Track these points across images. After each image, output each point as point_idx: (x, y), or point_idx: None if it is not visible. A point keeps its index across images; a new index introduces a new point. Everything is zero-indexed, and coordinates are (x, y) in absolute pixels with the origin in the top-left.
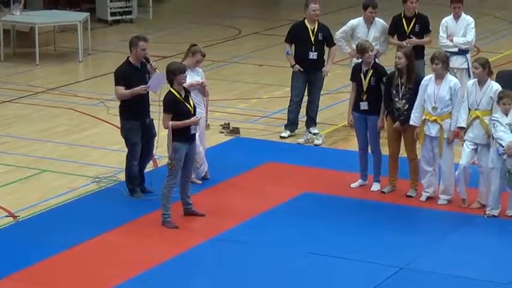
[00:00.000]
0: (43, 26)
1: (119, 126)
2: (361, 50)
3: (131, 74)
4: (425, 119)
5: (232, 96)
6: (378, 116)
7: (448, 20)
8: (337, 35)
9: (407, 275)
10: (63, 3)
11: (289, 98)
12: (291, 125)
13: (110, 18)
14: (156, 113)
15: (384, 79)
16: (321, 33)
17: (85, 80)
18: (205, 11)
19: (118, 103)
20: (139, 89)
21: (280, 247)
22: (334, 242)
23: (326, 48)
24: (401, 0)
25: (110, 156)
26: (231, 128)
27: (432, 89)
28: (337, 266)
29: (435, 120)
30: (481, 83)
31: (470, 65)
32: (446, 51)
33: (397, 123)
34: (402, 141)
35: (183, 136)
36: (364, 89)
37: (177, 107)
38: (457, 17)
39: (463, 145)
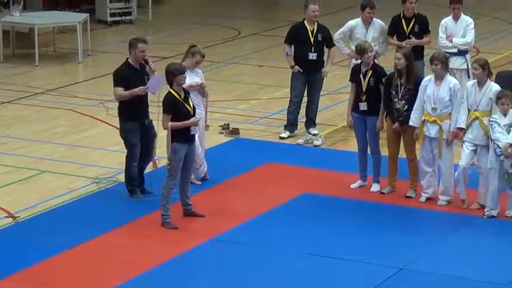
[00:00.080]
0: (42, 26)
1: (118, 127)
2: (361, 50)
3: (130, 75)
4: (424, 120)
5: (232, 97)
6: (377, 117)
7: (447, 20)
8: (336, 36)
9: (407, 276)
10: (62, 4)
11: (289, 98)
12: (291, 125)
13: (109, 19)
14: (155, 113)
15: (384, 80)
16: (321, 34)
17: (84, 81)
18: (205, 12)
19: (117, 104)
20: (138, 90)
21: (280, 248)
22: (333, 243)
23: (326, 49)
24: (401, 0)
25: (109, 157)
26: (230, 129)
27: (432, 89)
28: (336, 267)
29: (435, 121)
30: (481, 83)
31: (469, 66)
32: (445, 52)
33: (397, 124)
34: (402, 142)
35: (182, 137)
36: (364, 90)
37: (177, 108)
38: (456, 18)
39: (462, 146)
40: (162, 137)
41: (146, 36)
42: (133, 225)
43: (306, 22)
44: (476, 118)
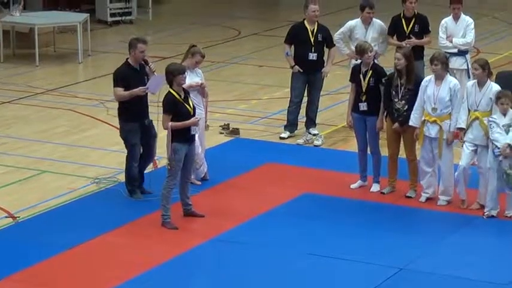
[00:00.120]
0: (43, 27)
1: (119, 127)
2: (361, 51)
3: (130, 75)
4: (424, 120)
5: (232, 97)
6: (377, 117)
7: (447, 20)
8: (335, 36)
9: (407, 276)
10: (62, 4)
11: (289, 98)
12: (291, 125)
13: (109, 19)
14: (155, 114)
15: (384, 80)
16: (321, 34)
17: (85, 81)
18: (205, 12)
19: (117, 104)
20: (138, 90)
21: (280, 248)
22: (333, 243)
23: (326, 49)
24: (401, 0)
25: (109, 157)
26: (230, 129)
27: (432, 89)
28: (336, 267)
29: (435, 121)
30: (481, 84)
31: (469, 66)
32: (446, 52)
33: (396, 124)
34: (402, 142)
35: (182, 137)
36: (364, 90)
37: (177, 108)
38: (456, 18)
39: (462, 146)
40: (162, 137)
41: (146, 37)
42: (134, 225)
43: (306, 22)
44: (477, 118)
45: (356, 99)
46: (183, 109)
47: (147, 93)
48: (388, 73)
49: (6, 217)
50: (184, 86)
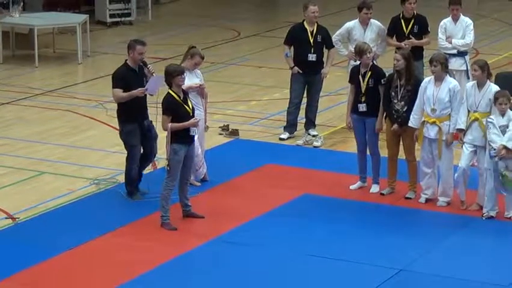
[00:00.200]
0: (42, 28)
1: (118, 129)
2: (360, 51)
3: (129, 76)
4: (424, 121)
5: (232, 98)
6: (377, 118)
7: (446, 22)
8: (334, 37)
9: (407, 277)
10: (62, 5)
11: (288, 99)
12: (290, 126)
13: (109, 20)
14: (153, 115)
15: (383, 81)
16: (320, 35)
17: (84, 82)
18: (204, 13)
19: (116, 106)
20: (137, 91)
21: (279, 249)
22: (333, 244)
23: (325, 50)
24: (400, 1)
25: (109, 158)
26: (230, 130)
27: (431, 90)
28: (336, 268)
29: (434, 122)
30: (480, 85)
31: (469, 67)
32: (445, 53)
33: (396, 125)
34: (401, 143)
35: (181, 138)
36: (363, 91)
37: (176, 109)
38: (455, 19)
39: (462, 147)
40: (162, 138)
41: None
42: (133, 226)
43: (305, 23)
44: (476, 119)
45: (355, 100)
46: (182, 110)
47: (146, 95)
48: (387, 74)
49: (5, 218)
50: (183, 87)
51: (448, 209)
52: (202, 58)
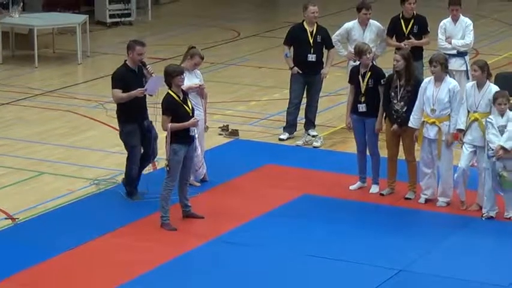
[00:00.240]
0: (42, 28)
1: (118, 129)
2: (359, 52)
3: (128, 77)
4: (424, 121)
5: (231, 98)
6: (376, 118)
7: (446, 22)
8: (333, 38)
9: (406, 277)
10: (62, 5)
11: (288, 100)
12: (290, 127)
13: (108, 21)
14: (152, 115)
15: (382, 81)
16: (320, 35)
17: (84, 82)
18: (204, 13)
19: (116, 106)
20: (136, 92)
21: (279, 249)
22: (333, 244)
23: (325, 51)
24: (400, 1)
25: (108, 158)
26: (230, 130)
27: (431, 91)
28: (336, 268)
29: (434, 123)
30: (480, 85)
31: (469, 67)
32: (445, 53)
33: (395, 125)
34: (401, 143)
35: (181, 138)
36: (362, 91)
37: (176, 109)
38: (455, 20)
39: (462, 147)
40: (161, 138)
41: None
42: (133, 226)
43: (305, 23)
44: (476, 119)
45: (355, 101)
46: (182, 110)
47: (145, 95)
48: (386, 74)
49: (5, 219)
50: (183, 87)
51: (448, 209)
52: (202, 58)
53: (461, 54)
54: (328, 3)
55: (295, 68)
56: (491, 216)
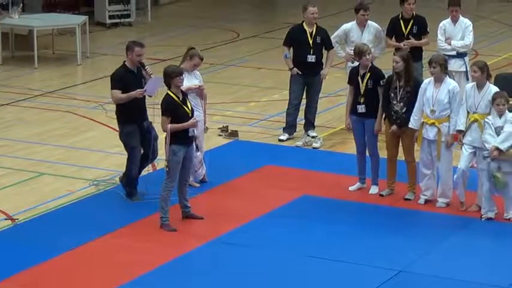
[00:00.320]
0: (41, 29)
1: (117, 130)
2: (359, 52)
3: (127, 78)
4: (423, 122)
5: (231, 99)
6: (376, 119)
7: (446, 23)
8: (332, 39)
9: (406, 278)
10: (61, 6)
11: (288, 101)
12: (290, 128)
13: (108, 22)
14: (151, 115)
15: (382, 82)
16: (319, 36)
17: (83, 83)
18: (204, 14)
19: (115, 107)
20: (135, 93)
21: (279, 250)
22: (332, 245)
23: (325, 52)
24: (399, 1)
25: (108, 159)
26: (229, 131)
27: (431, 92)
28: (335, 269)
29: (433, 124)
30: (480, 86)
31: (468, 68)
32: (444, 54)
33: (394, 126)
34: (400, 144)
35: (180, 139)
36: (362, 92)
37: (175, 110)
38: (455, 20)
39: (461, 148)
40: (161, 139)
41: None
42: (132, 227)
43: (304, 24)
44: (475, 120)
45: (354, 102)
46: (181, 111)
47: (144, 96)
48: (386, 75)
49: (5, 219)
50: (183, 88)
51: (448, 210)
52: (202, 59)
53: (460, 55)
54: (327, 4)
55: (295, 69)
56: (491, 217)
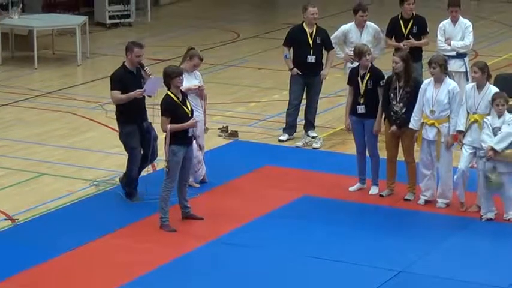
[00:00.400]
0: (41, 29)
1: (117, 130)
2: (359, 53)
3: (127, 78)
4: (423, 123)
5: (231, 99)
6: (375, 120)
7: (445, 23)
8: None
9: (406, 279)
10: (61, 6)
11: (288, 101)
12: (290, 128)
13: (108, 22)
14: (151, 116)
15: (382, 82)
16: (319, 36)
17: (83, 84)
18: (204, 15)
19: (115, 107)
20: (135, 93)
21: (279, 250)
22: (332, 246)
23: (325, 52)
24: (399, 1)
25: (108, 159)
26: (229, 132)
27: (431, 92)
28: (335, 270)
29: (433, 124)
30: (480, 86)
31: (468, 69)
32: (444, 54)
33: (394, 127)
34: (400, 144)
35: (180, 139)
36: (361, 93)
37: (175, 110)
38: (454, 21)
39: (461, 149)
40: (161, 140)
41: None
42: (132, 227)
43: (304, 25)
44: (476, 121)
45: (354, 102)
46: (181, 111)
47: (144, 96)
48: (385, 76)
49: (5, 219)
50: (183, 88)
51: (447, 210)
52: (201, 60)
53: (460, 55)
54: (327, 4)
55: (295, 69)
56: (491, 218)
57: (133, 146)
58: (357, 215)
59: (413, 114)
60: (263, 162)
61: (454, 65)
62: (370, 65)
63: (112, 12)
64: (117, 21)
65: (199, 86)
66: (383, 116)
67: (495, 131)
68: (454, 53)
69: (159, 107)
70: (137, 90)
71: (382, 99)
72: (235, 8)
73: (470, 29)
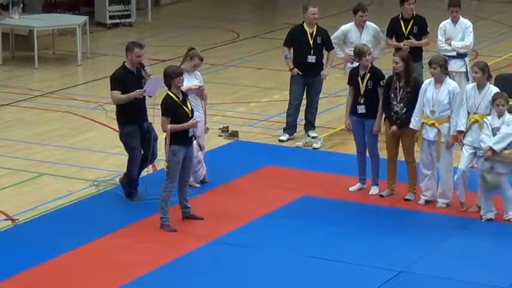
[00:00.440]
0: (42, 29)
1: (118, 131)
2: (359, 53)
3: (127, 78)
4: (423, 123)
5: (231, 99)
6: (376, 120)
7: (446, 24)
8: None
9: (406, 279)
10: (61, 6)
11: (288, 101)
12: (290, 128)
13: (108, 22)
14: (151, 116)
15: (382, 82)
16: (320, 36)
17: (84, 84)
18: (204, 15)
19: (115, 107)
20: (135, 93)
21: (279, 250)
22: (333, 246)
23: (325, 52)
24: (399, 1)
25: (108, 159)
26: (229, 132)
27: (431, 92)
28: (336, 270)
29: (433, 124)
30: (480, 87)
31: (468, 69)
32: (444, 55)
33: (394, 127)
34: (401, 144)
35: (181, 139)
36: (362, 93)
37: (175, 110)
38: (455, 21)
39: (462, 149)
40: (161, 140)
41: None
42: (132, 227)
43: (305, 25)
44: (476, 121)
45: (354, 102)
46: (181, 111)
47: (144, 96)
48: (386, 76)
49: (5, 220)
50: (183, 88)
51: (448, 210)
52: (202, 60)
53: (461, 55)
54: (328, 4)
55: (295, 70)
56: (491, 218)
57: (133, 146)
58: (357, 215)
59: (413, 115)
60: (263, 162)
61: (455, 65)
62: (370, 65)
63: (112, 12)
64: (118, 21)
65: (199, 86)
66: (383, 116)
67: (494, 131)
68: (454, 53)
69: (160, 107)
70: (137, 91)
71: (383, 99)
72: (236, 8)
73: (471, 29)
